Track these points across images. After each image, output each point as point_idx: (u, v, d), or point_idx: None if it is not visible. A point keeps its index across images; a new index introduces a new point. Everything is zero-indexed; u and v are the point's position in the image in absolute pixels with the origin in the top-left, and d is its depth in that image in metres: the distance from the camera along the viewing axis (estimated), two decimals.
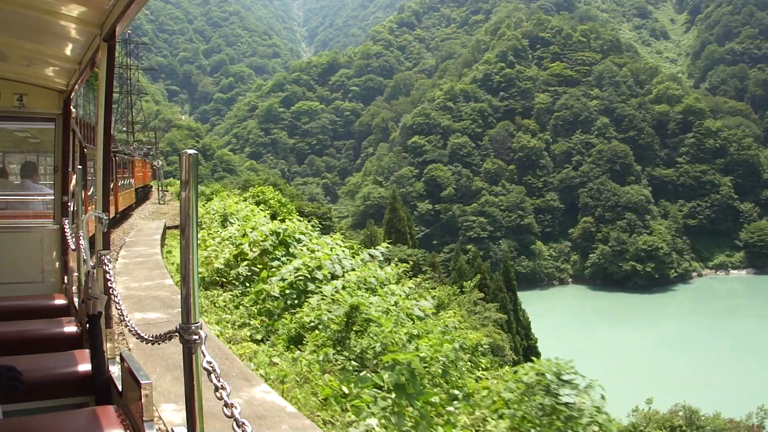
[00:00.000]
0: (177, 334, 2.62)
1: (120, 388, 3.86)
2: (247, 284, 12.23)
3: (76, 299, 5.93)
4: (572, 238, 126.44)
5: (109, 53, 4.87)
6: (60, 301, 6.34)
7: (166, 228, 22.30)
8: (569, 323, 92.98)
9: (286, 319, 9.76)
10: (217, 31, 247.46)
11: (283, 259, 12.96)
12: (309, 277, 11.01)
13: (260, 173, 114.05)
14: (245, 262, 12.84)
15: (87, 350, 4.67)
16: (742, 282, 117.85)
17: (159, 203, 37.18)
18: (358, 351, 8.49)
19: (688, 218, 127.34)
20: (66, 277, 6.97)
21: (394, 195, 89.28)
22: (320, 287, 10.46)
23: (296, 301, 10.60)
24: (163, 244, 18.63)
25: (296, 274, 11.06)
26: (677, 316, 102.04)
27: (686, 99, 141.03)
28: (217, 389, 2.46)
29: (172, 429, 2.92)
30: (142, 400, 3.26)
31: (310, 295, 10.42)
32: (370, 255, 13.01)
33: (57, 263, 7.27)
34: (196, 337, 2.50)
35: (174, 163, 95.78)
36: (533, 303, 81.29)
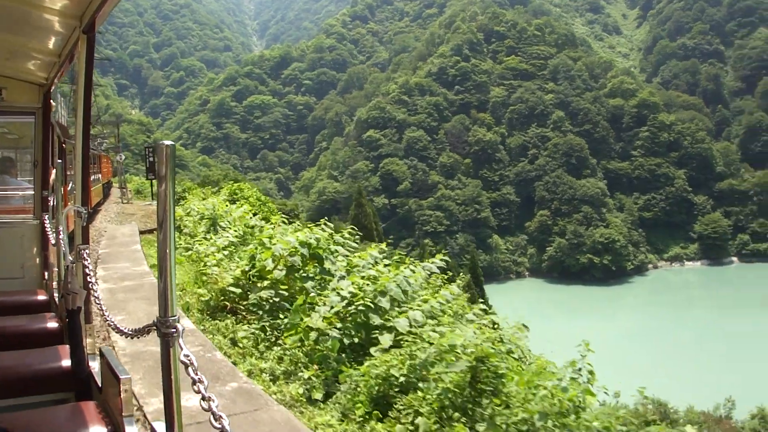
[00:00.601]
0: (155, 327, 2.61)
1: (100, 383, 3.86)
2: (275, 313, 9.19)
3: (56, 295, 5.82)
4: (529, 231, 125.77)
5: (88, 45, 4.82)
6: (41, 297, 6.24)
7: (140, 233, 19.24)
8: (527, 316, 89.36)
9: (353, 369, 7.07)
10: (167, 24, 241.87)
11: (318, 278, 9.95)
12: (372, 306, 8.09)
13: (213, 168, 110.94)
14: (265, 282, 9.76)
15: (67, 346, 4.55)
16: (696, 273, 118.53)
17: (122, 202, 34.64)
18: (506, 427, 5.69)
19: (643, 211, 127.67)
20: (46, 273, 6.90)
21: (360, 190, 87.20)
22: (389, 320, 7.89)
23: (357, 341, 7.90)
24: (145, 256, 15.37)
25: (353, 303, 8.16)
26: (635, 307, 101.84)
27: (640, 93, 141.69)
28: (194, 383, 2.49)
29: (152, 424, 3.09)
30: (122, 396, 3.27)
31: (376, 332, 7.86)
32: (427, 270, 9.84)
33: (37, 259, 7.27)
34: (173, 330, 2.51)
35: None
36: (491, 297, 79.82)
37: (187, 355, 2.51)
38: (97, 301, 4.31)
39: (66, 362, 4.37)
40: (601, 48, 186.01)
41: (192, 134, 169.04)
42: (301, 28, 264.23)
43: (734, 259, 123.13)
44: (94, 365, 4.31)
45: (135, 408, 4.08)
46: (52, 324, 5.23)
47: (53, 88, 7.21)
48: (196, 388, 2.48)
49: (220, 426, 2.36)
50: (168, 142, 2.35)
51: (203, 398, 2.45)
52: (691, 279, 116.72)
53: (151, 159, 31.80)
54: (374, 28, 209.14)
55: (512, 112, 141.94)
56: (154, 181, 35.29)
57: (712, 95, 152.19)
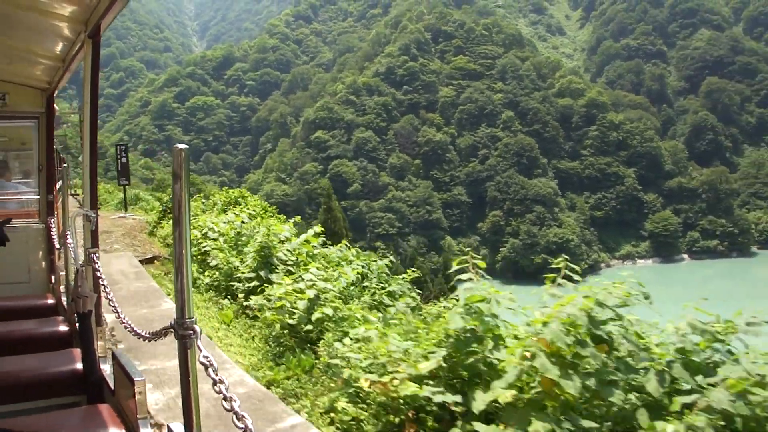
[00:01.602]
0: (172, 330, 2.61)
1: (112, 386, 3.94)
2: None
3: (64, 298, 5.86)
4: (481, 232, 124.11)
5: (93, 50, 4.89)
6: (48, 301, 6.22)
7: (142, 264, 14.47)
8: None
9: None
10: None
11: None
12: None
13: (156, 172, 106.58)
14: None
15: (77, 349, 4.59)
16: (648, 271, 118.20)
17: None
18: None
19: (594, 210, 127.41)
20: (53, 277, 6.91)
21: (329, 193, 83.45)
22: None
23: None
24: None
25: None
26: None
27: (588, 93, 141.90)
28: (215, 383, 2.50)
29: (168, 426, 2.99)
30: (136, 398, 3.30)
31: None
32: None
33: (44, 263, 7.26)
34: (191, 332, 2.52)
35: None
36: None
37: (206, 357, 2.52)
38: (111, 303, 4.28)
39: (77, 365, 4.35)
40: (545, 48, 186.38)
41: (133, 136, 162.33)
42: (242, 29, 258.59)
43: (685, 256, 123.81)
44: (106, 368, 4.30)
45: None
46: (62, 327, 5.20)
47: (56, 92, 7.17)
48: (217, 388, 2.47)
49: (243, 426, 2.37)
50: (182, 146, 2.42)
51: (225, 399, 2.44)
52: (643, 276, 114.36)
53: (123, 160, 26.62)
54: (318, 28, 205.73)
55: (461, 112, 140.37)
56: (128, 187, 31.27)
57: (657, 95, 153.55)
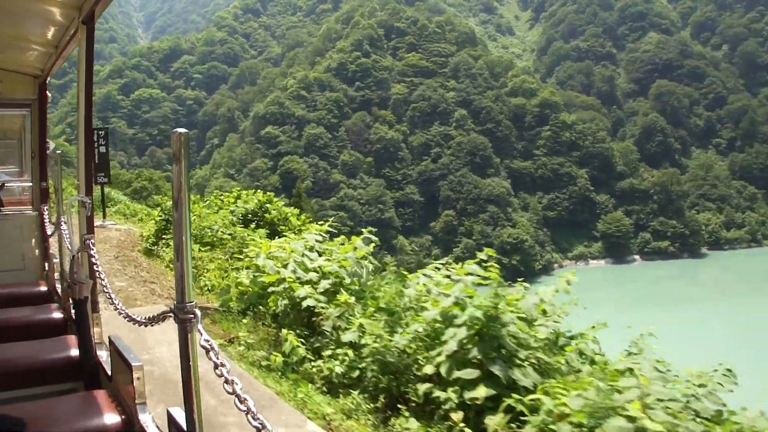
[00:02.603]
0: (171, 314, 2.63)
1: (109, 372, 3.96)
2: None
3: (58, 285, 5.91)
4: (434, 231, 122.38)
5: (88, 36, 4.93)
6: (42, 288, 6.23)
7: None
8: None
9: None
10: None
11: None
12: None
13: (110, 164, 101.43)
14: None
15: (73, 336, 4.63)
16: (600, 272, 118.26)
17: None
18: None
19: (547, 210, 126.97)
20: (47, 264, 6.82)
21: (299, 192, 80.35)
22: None
23: None
24: None
25: None
26: None
27: (541, 93, 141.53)
28: (216, 366, 2.51)
29: (168, 410, 3.02)
30: (134, 383, 3.33)
31: None
32: None
33: (37, 250, 7.23)
34: (192, 316, 2.52)
35: None
36: None
37: (207, 340, 2.52)
38: (106, 290, 4.29)
39: (73, 352, 4.37)
40: (494, 48, 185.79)
41: (75, 129, 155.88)
42: (188, 21, 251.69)
43: (637, 257, 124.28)
44: (102, 354, 4.34)
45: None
46: (56, 315, 5.24)
47: (49, 79, 7.11)
48: (218, 371, 2.48)
49: (245, 408, 2.38)
50: (182, 130, 2.44)
51: (226, 381, 2.44)
52: (595, 277, 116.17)
53: (102, 150, 21.47)
54: (266, 22, 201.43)
55: (414, 110, 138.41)
56: (108, 186, 26.37)
57: (607, 96, 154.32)
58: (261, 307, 9.89)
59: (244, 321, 9.79)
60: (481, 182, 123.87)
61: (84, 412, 3.45)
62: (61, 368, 4.30)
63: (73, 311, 4.72)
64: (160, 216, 17.20)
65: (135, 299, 11.21)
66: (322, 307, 8.57)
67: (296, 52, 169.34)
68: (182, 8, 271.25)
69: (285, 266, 9.59)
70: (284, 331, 8.39)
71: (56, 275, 6.15)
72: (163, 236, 16.24)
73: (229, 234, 15.45)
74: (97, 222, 19.48)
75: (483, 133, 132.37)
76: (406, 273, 9.91)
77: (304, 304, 8.62)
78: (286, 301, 8.94)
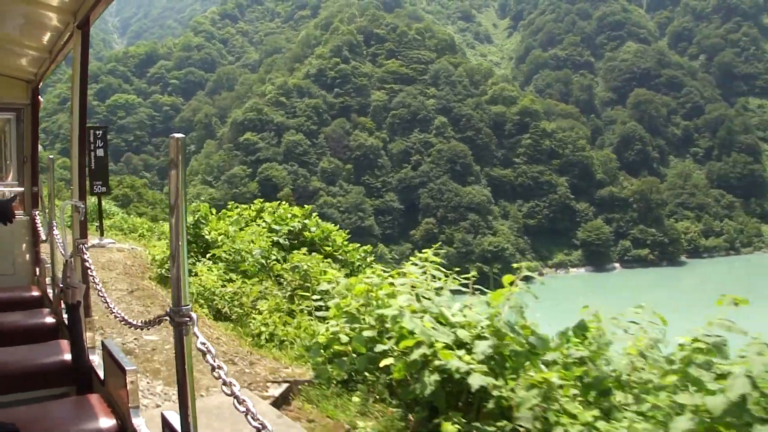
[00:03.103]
0: (167, 318, 2.63)
1: (102, 376, 3.94)
2: None
3: (49, 290, 5.89)
4: (414, 239, 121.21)
5: (83, 40, 4.91)
6: (34, 293, 6.27)
7: None
8: None
9: None
10: None
11: None
12: None
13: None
14: None
15: (65, 340, 4.66)
16: (580, 280, 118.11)
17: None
18: None
19: (527, 218, 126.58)
20: (38, 269, 6.86)
21: (288, 199, 78.77)
22: None
23: None
24: None
25: None
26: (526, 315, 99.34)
27: (521, 101, 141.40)
28: (213, 369, 2.51)
29: (162, 414, 3.01)
30: (128, 387, 3.32)
31: None
32: None
33: (28, 255, 7.20)
34: (188, 319, 2.52)
35: None
36: None
37: (204, 343, 2.52)
38: (101, 294, 4.25)
39: (66, 356, 4.37)
40: (473, 56, 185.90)
41: (50, 135, 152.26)
42: (165, 26, 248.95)
43: (617, 265, 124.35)
44: (94, 358, 4.33)
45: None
46: (48, 319, 5.26)
47: (41, 84, 7.12)
48: (216, 374, 2.48)
49: (244, 409, 2.37)
50: (179, 135, 2.46)
51: (224, 383, 2.44)
52: (575, 285, 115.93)
53: (100, 153, 17.71)
54: (244, 27, 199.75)
55: (394, 117, 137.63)
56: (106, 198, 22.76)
57: (585, 105, 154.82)
58: (371, 374, 7.08)
59: (354, 398, 6.84)
60: (462, 190, 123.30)
61: (77, 416, 3.43)
62: (54, 372, 4.27)
63: (65, 316, 4.69)
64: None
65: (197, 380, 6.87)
66: (496, 386, 5.62)
67: (274, 59, 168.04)
68: (158, 14, 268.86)
69: (399, 313, 6.43)
70: (445, 426, 5.45)
71: (47, 280, 6.10)
72: (198, 263, 12.91)
73: (275, 260, 12.94)
74: (94, 239, 16.97)
75: (463, 141, 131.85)
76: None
77: (472, 383, 5.42)
78: (435, 377, 5.70)
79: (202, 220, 14.36)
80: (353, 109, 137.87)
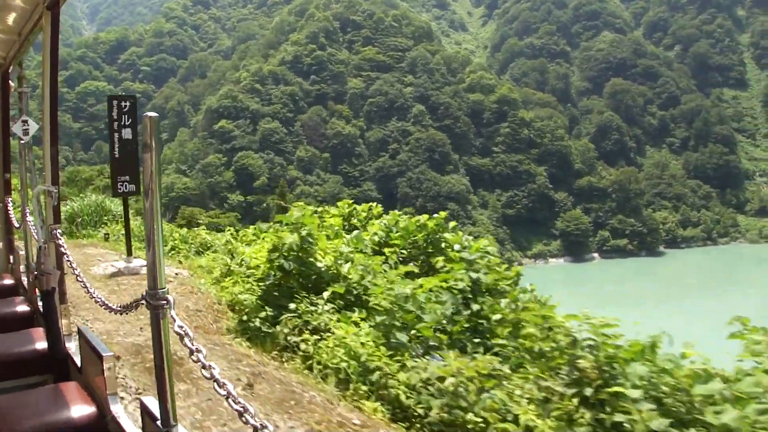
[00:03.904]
0: (144, 301, 2.62)
1: (79, 363, 3.92)
2: None
3: (24, 278, 5.83)
4: None
5: (53, 22, 4.82)
6: (7, 281, 6.18)
7: None
8: None
9: None
10: None
11: None
12: None
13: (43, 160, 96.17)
14: None
15: (40, 328, 4.62)
16: (560, 270, 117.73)
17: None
18: None
19: (506, 208, 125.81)
20: (12, 257, 6.74)
21: (282, 191, 76.56)
22: None
23: None
24: None
25: None
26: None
27: (499, 89, 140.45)
28: (191, 352, 2.51)
29: (141, 400, 3.03)
30: (105, 374, 3.31)
31: None
32: None
33: (1, 243, 7.01)
34: (164, 302, 2.51)
35: None
36: None
37: (181, 326, 2.51)
38: (79, 279, 4.21)
39: (41, 344, 4.32)
40: (448, 44, 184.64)
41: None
42: (135, 13, 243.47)
43: (595, 255, 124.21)
44: (71, 346, 4.29)
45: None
46: (23, 307, 5.19)
47: (11, 68, 6.93)
48: (194, 357, 2.49)
49: (225, 392, 2.39)
50: (152, 114, 2.44)
51: (203, 367, 2.45)
52: (555, 276, 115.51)
53: (127, 132, 12.15)
54: (216, 14, 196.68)
55: (371, 105, 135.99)
56: (138, 198, 16.37)
57: (561, 94, 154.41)
58: None
59: None
60: (441, 179, 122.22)
61: (54, 404, 3.39)
62: (30, 361, 4.19)
63: (40, 303, 4.63)
64: (276, 261, 9.02)
65: None
66: None
67: (248, 45, 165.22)
68: (128, 0, 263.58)
69: None
70: None
71: (21, 268, 5.96)
72: (285, 307, 8.47)
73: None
74: (118, 263, 12.03)
75: (441, 130, 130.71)
76: None
77: None
78: None
79: (310, 239, 9.19)
80: (330, 96, 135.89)
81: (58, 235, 4.62)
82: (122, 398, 5.35)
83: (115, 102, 12.20)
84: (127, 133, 12.15)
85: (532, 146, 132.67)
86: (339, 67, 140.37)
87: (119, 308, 3.29)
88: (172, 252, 15.23)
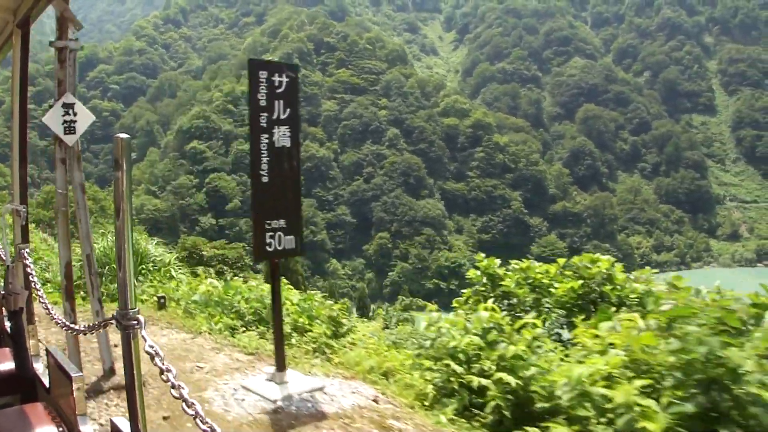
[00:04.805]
0: (113, 321, 2.62)
1: (47, 384, 3.81)
2: None
3: None
4: (367, 254, 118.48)
5: (23, 40, 4.96)
6: None
7: None
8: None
9: None
10: None
11: None
12: None
13: (8, 178, 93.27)
14: None
15: (7, 349, 4.56)
16: None
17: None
18: None
19: (481, 233, 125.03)
20: None
21: None
22: None
23: None
24: None
25: None
26: None
27: (474, 113, 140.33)
28: (162, 372, 2.54)
29: (112, 420, 2.99)
30: (74, 395, 3.23)
31: None
32: None
33: None
34: (135, 322, 2.52)
35: None
36: None
37: (152, 346, 2.53)
38: (42, 301, 4.29)
39: (8, 365, 4.26)
40: (419, 68, 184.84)
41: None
42: (104, 30, 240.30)
43: None
44: (38, 367, 4.22)
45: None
46: None
47: None
48: (164, 377, 2.51)
49: (193, 412, 2.41)
50: (124, 135, 2.44)
51: (173, 387, 2.48)
52: None
53: (285, 137, 6.57)
54: (187, 33, 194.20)
55: (345, 127, 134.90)
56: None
57: (534, 119, 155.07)
58: None
59: None
60: (416, 204, 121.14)
61: (22, 425, 3.31)
62: None
63: (7, 323, 4.57)
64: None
65: None
66: None
67: (219, 65, 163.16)
68: (97, 17, 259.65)
69: None
70: None
71: None
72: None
73: None
74: (260, 384, 6.54)
75: (416, 153, 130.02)
76: None
77: None
78: None
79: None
80: (303, 118, 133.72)
81: (26, 254, 4.60)
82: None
83: (263, 73, 6.51)
84: (282, 136, 6.61)
85: (506, 171, 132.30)
86: (313, 89, 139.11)
87: (84, 328, 3.23)
88: (204, 315, 9.86)
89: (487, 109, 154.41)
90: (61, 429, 3.24)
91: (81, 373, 3.14)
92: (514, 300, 9.35)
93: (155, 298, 11.17)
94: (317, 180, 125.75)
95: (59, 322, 3.82)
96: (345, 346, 8.76)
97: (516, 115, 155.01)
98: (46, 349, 3.61)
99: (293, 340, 8.53)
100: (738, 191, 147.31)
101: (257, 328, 9.34)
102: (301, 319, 9.08)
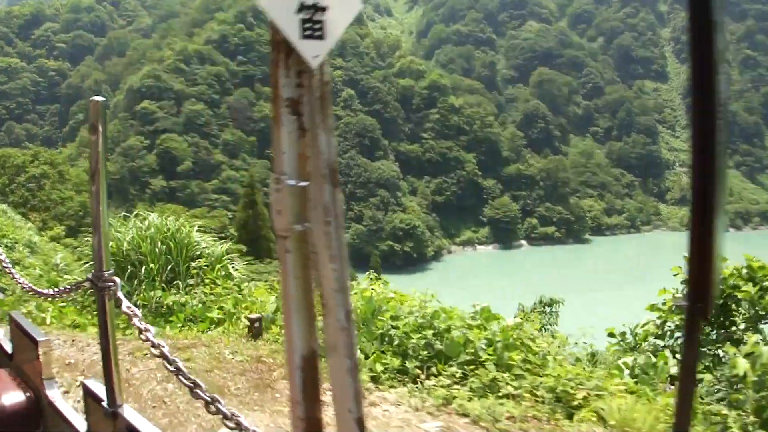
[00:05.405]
0: (87, 283, 2.64)
1: (10, 350, 3.80)
2: None
3: None
4: None
5: None
6: None
7: None
8: None
9: None
10: None
11: None
12: None
13: None
14: None
15: None
16: (488, 257, 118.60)
17: None
18: None
19: (435, 195, 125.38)
20: None
21: (251, 183, 71.45)
22: None
23: None
24: None
25: None
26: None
27: (429, 75, 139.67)
28: (141, 332, 2.51)
29: (84, 383, 2.99)
30: (41, 358, 3.23)
31: None
32: None
33: None
34: (111, 284, 2.54)
35: None
36: None
37: (129, 307, 2.54)
38: (5, 265, 4.21)
39: None
40: (373, 29, 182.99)
41: None
42: None
43: (523, 242, 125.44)
44: None
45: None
46: None
47: None
48: (143, 336, 2.49)
49: (175, 369, 2.40)
50: (99, 98, 2.48)
51: (153, 345, 2.46)
52: (483, 263, 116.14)
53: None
54: None
55: None
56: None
57: (488, 82, 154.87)
58: None
59: None
60: (371, 165, 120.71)
61: None
62: None
63: None
64: None
65: None
66: None
67: (170, 23, 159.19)
68: None
69: None
70: None
71: None
72: None
73: None
74: None
75: (371, 114, 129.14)
76: None
77: None
78: None
79: None
80: (258, 78, 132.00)
81: None
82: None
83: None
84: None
85: (461, 133, 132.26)
86: (267, 49, 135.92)
87: (56, 292, 3.25)
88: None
89: (442, 71, 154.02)
90: (28, 394, 3.22)
91: (47, 338, 3.12)
92: None
93: (245, 320, 7.71)
94: (270, 141, 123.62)
95: (25, 287, 3.68)
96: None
97: (471, 78, 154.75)
98: (9, 315, 3.67)
99: None
100: (687, 157, 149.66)
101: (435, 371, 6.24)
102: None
